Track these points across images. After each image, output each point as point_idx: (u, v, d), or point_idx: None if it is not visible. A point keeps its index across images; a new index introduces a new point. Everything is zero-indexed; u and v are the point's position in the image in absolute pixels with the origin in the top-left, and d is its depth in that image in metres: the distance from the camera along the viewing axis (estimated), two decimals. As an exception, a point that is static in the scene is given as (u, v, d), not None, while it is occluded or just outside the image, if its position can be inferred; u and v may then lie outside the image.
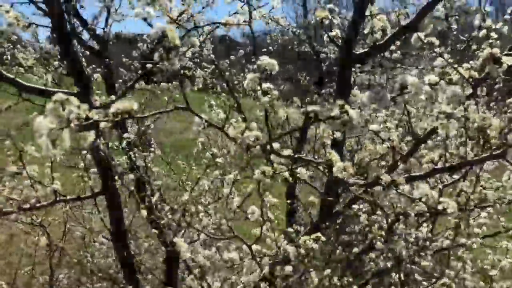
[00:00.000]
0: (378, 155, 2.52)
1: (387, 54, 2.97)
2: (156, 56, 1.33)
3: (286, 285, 2.01)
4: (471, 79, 1.84)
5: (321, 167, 2.42)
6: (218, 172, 2.34)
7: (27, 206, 2.31)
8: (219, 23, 2.04)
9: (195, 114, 1.43)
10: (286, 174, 2.27)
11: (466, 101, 2.06)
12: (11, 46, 4.48)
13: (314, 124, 1.63)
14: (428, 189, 1.41)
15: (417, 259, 2.33)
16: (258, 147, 1.53)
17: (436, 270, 2.28)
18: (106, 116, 1.23)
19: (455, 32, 2.82)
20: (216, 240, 2.39)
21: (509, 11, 2.57)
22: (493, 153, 1.82)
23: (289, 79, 5.81)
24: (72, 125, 1.13)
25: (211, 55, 4.30)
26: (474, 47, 3.06)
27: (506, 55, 1.65)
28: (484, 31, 2.36)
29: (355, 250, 2.40)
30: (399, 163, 2.29)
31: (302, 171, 2.40)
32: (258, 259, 2.09)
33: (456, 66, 2.52)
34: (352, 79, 4.99)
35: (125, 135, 3.31)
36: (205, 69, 4.79)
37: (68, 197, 2.54)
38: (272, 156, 1.84)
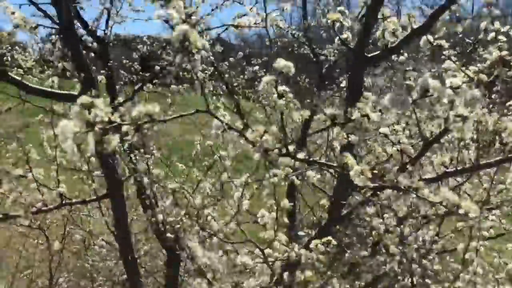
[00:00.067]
0: (385, 158, 2.51)
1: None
2: (177, 59, 1.31)
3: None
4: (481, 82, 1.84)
5: (331, 171, 2.41)
6: (226, 175, 2.32)
7: (34, 209, 2.28)
8: (231, 25, 2.03)
9: (215, 117, 1.41)
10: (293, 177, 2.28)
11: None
12: (10, 48, 4.44)
13: (331, 128, 1.62)
14: (450, 193, 1.40)
15: (424, 261, 2.33)
16: (276, 150, 1.51)
17: (446, 274, 2.28)
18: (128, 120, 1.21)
19: (460, 35, 2.81)
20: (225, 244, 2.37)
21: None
22: (509, 156, 1.81)
23: (288, 81, 5.79)
24: (96, 128, 1.11)
25: (211, 57, 4.29)
26: (480, 50, 3.07)
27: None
28: (492, 34, 2.37)
29: (364, 253, 2.39)
30: (407, 166, 2.29)
31: (311, 174, 2.39)
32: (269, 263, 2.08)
33: (463, 68, 2.52)
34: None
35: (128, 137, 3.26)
36: (205, 71, 4.78)
37: (74, 200, 2.51)
38: (281, 159, 1.82)
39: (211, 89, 3.77)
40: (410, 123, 2.56)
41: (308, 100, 4.92)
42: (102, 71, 3.35)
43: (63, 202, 2.43)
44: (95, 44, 3.99)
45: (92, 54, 3.58)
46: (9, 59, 4.36)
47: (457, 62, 2.59)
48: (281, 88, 1.65)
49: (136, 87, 2.25)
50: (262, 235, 2.21)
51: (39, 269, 4.81)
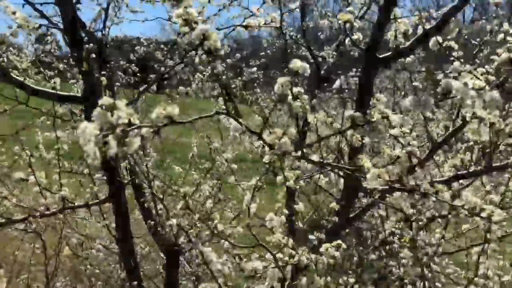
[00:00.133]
0: (392, 160, 2.49)
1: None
2: (197, 60, 1.27)
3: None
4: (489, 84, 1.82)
5: (340, 173, 2.38)
6: (233, 178, 2.28)
7: (37, 214, 2.23)
8: (241, 25, 1.99)
9: (235, 119, 1.37)
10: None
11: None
12: (4, 49, 4.38)
13: (349, 129, 1.60)
14: (473, 197, 1.38)
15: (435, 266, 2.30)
16: (293, 153, 1.48)
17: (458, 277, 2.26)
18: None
19: (466, 37, 2.79)
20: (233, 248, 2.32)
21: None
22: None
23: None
24: (117, 130, 1.07)
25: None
26: (485, 51, 3.06)
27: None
28: (501, 35, 2.35)
29: (373, 256, 2.36)
30: (416, 168, 2.27)
31: (320, 177, 2.36)
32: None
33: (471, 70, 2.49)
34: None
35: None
36: (203, 73, 4.74)
37: (77, 204, 2.47)
38: (288, 162, 1.79)
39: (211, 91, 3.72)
40: (417, 124, 2.56)
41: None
42: (101, 73, 3.30)
43: (66, 205, 2.38)
44: (91, 45, 3.95)
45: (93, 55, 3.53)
46: (5, 60, 4.29)
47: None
48: (296, 89, 1.61)
49: (140, 89, 2.20)
50: (269, 238, 2.18)
51: (35, 273, 4.74)
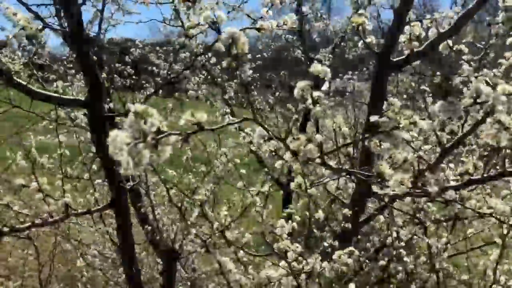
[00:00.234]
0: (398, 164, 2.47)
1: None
2: (224, 64, 1.23)
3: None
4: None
5: (353, 179, 2.35)
6: (241, 183, 2.23)
7: (40, 221, 2.17)
8: (253, 27, 1.95)
9: (261, 125, 1.33)
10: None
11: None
12: (-3, 51, 4.28)
13: (373, 136, 1.56)
14: (502, 203, 1.35)
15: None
16: (318, 160, 1.44)
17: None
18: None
19: (471, 40, 2.77)
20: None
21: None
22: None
23: (283, 85, 5.76)
24: (149, 138, 1.02)
25: (208, 62, 4.21)
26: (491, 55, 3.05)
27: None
28: (510, 39, 2.34)
29: (381, 262, 2.33)
30: (426, 173, 2.24)
31: (330, 183, 2.33)
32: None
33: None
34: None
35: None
36: (199, 76, 4.69)
37: (79, 211, 2.40)
38: (295, 166, 1.76)
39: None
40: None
41: (304, 105, 4.84)
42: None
43: (69, 212, 2.32)
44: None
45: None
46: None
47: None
48: (316, 94, 1.58)
49: (148, 93, 2.15)
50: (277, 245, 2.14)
51: (28, 280, 4.65)
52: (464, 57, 2.37)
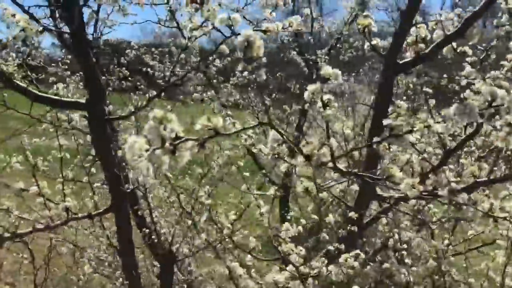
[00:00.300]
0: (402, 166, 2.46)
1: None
2: (240, 67, 1.20)
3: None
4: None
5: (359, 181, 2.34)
6: (245, 186, 2.21)
7: (42, 226, 2.13)
8: (259, 30, 1.93)
9: (277, 130, 1.31)
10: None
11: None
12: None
13: (386, 140, 1.54)
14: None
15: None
16: (330, 163, 1.43)
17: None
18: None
19: (471, 43, 2.77)
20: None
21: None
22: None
23: (280, 87, 5.74)
24: (167, 144, 1.00)
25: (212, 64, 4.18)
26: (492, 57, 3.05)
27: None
28: (513, 42, 2.34)
29: (386, 265, 2.32)
30: (429, 175, 2.24)
31: (334, 186, 2.31)
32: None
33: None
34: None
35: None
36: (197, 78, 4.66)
37: (80, 215, 2.37)
38: (299, 170, 1.74)
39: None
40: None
41: (299, 107, 4.86)
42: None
43: (70, 217, 2.28)
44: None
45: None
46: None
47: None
48: (326, 96, 1.56)
49: (151, 95, 2.12)
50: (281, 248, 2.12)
51: (23, 284, 4.59)
52: (467, 59, 2.36)
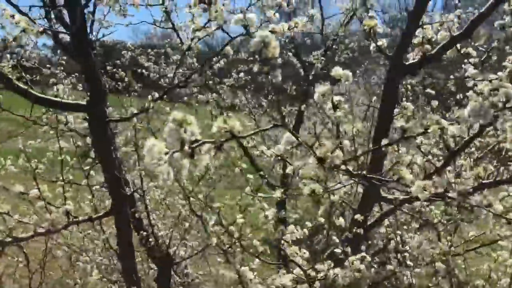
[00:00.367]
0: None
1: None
2: (255, 68, 1.18)
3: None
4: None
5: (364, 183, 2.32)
6: (249, 188, 2.19)
7: (43, 230, 2.10)
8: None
9: (291, 132, 1.29)
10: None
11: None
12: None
13: (398, 142, 1.53)
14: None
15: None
16: (342, 166, 1.41)
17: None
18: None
19: (472, 43, 2.77)
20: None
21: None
22: None
23: (276, 88, 5.71)
24: (186, 148, 0.98)
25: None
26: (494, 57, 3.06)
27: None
28: (517, 42, 2.34)
29: (389, 267, 2.31)
30: (433, 177, 2.23)
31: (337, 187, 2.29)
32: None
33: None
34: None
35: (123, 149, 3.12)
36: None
37: (81, 218, 2.33)
38: (301, 171, 1.72)
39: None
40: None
41: (296, 108, 4.84)
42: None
43: (71, 220, 2.25)
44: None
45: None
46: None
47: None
48: (336, 98, 1.54)
49: (154, 97, 2.09)
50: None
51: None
52: (471, 60, 2.36)
